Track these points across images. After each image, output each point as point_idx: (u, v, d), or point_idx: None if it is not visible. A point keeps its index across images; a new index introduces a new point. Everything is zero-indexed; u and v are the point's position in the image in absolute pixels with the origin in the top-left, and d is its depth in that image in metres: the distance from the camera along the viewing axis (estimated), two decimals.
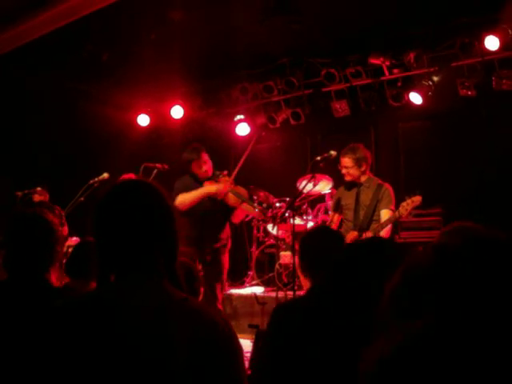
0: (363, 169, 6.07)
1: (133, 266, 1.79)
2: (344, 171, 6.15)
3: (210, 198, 6.17)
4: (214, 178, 6.31)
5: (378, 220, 5.84)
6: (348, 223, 6.08)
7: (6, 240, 2.72)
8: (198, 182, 6.29)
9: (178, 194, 6.09)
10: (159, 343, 1.63)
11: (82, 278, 3.63)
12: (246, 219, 8.47)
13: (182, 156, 6.42)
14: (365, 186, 6.08)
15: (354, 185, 6.16)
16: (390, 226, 5.79)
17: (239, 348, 1.76)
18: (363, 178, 6.11)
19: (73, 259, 3.97)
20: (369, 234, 5.74)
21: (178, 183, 6.36)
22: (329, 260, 2.83)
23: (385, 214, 5.82)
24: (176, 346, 1.63)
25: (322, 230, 4.00)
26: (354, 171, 6.07)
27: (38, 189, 7.13)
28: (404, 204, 5.63)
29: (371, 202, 5.96)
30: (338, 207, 6.35)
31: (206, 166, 6.35)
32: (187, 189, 6.23)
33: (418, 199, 5.60)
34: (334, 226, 6.30)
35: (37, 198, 7.27)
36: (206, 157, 6.37)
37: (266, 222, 8.10)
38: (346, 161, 6.09)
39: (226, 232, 6.46)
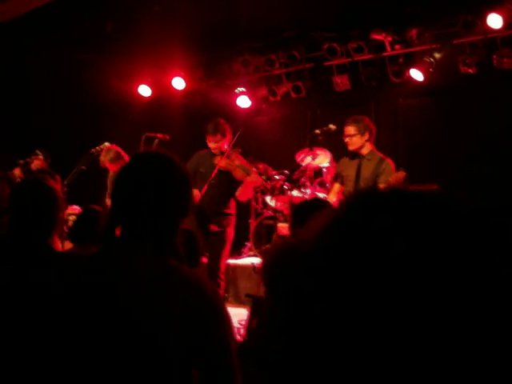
0: (366, 138, 6.12)
1: (134, 233, 1.87)
2: (347, 140, 6.21)
3: (219, 171, 6.31)
4: (224, 153, 6.44)
5: None
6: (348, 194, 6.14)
7: (10, 206, 2.80)
8: (211, 155, 6.60)
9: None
10: (147, 307, 1.72)
11: (86, 245, 3.72)
12: None
13: None
14: (366, 159, 6.14)
15: (356, 156, 6.22)
16: None
17: (226, 315, 1.83)
18: (366, 150, 6.17)
19: (77, 226, 4.07)
20: None
21: (198, 152, 6.77)
22: None
23: None
24: (163, 310, 1.71)
25: (314, 199, 4.08)
26: (356, 139, 6.13)
27: (38, 152, 7.17)
28: (389, 179, 5.71)
29: (371, 175, 6.03)
30: (338, 177, 6.43)
31: (211, 144, 6.58)
32: (199, 158, 6.64)
33: (401, 175, 5.67)
34: (335, 197, 6.38)
35: (36, 163, 7.33)
36: (208, 138, 6.56)
37: (265, 192, 8.17)
38: (349, 129, 6.17)
39: (232, 205, 6.58)
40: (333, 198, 6.32)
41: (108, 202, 7.20)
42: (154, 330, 1.70)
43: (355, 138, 6.13)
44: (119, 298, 1.75)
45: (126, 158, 7.03)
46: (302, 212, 3.24)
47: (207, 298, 1.79)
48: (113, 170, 7.08)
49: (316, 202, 3.51)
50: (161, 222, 1.88)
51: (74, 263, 1.94)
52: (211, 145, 6.59)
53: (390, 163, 6.08)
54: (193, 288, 1.78)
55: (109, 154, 7.08)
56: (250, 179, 6.50)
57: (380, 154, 6.20)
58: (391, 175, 5.84)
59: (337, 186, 6.48)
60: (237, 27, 7.97)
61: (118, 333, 1.72)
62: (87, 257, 2.03)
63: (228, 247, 6.57)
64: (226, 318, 1.83)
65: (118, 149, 7.20)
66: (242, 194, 6.60)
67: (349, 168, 6.27)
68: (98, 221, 3.97)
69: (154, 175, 1.89)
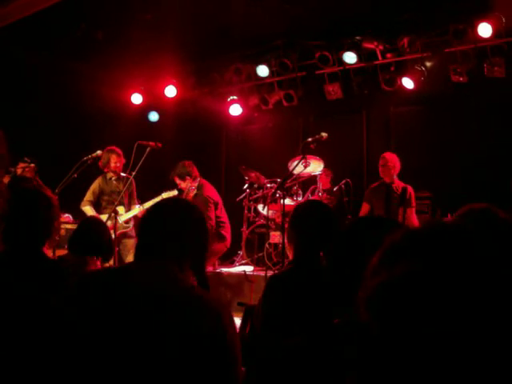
0: None
1: (153, 254, 2.00)
2: None
3: None
4: None
5: None
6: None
7: (6, 214, 2.78)
8: None
9: None
10: (153, 325, 1.72)
11: (86, 256, 3.74)
12: (237, 199, 8.56)
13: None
14: None
15: None
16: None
17: (237, 344, 1.82)
18: None
19: (78, 237, 4.07)
20: None
21: None
22: (317, 231, 2.93)
23: None
24: (171, 330, 1.71)
25: (314, 202, 4.07)
26: None
27: (26, 159, 7.13)
28: None
29: None
30: None
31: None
32: None
33: None
34: None
35: (25, 170, 7.27)
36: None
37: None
38: None
39: None
40: None
41: (83, 206, 7.24)
42: (156, 348, 1.69)
43: None
44: (123, 315, 1.75)
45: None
46: (302, 212, 3.22)
47: (221, 320, 1.78)
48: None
49: (315, 204, 3.48)
50: (188, 252, 2.07)
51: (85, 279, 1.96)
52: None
53: None
54: (207, 308, 1.80)
55: (109, 154, 7.17)
56: None
57: None
58: None
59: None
60: (229, 36, 7.98)
61: (118, 347, 1.71)
62: (101, 271, 2.16)
63: None
64: (236, 346, 1.82)
65: (119, 151, 7.24)
66: None
67: None
68: (100, 232, 3.98)
69: (176, 214, 2.13)
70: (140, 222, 2.18)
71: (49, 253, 3.99)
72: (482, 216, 2.60)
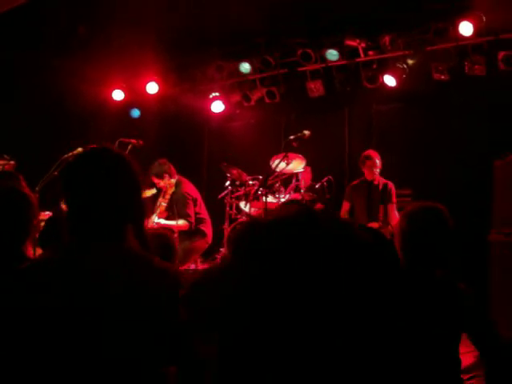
0: None
1: (94, 231, 1.89)
2: None
3: None
4: None
5: None
6: None
7: None
8: None
9: None
10: (124, 304, 1.77)
11: None
12: (219, 197, 8.53)
13: None
14: None
15: None
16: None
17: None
18: None
19: (45, 232, 4.02)
20: None
21: None
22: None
23: None
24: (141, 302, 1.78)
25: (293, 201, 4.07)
26: None
27: (6, 156, 7.03)
28: None
29: None
30: None
31: None
32: None
33: None
34: None
35: (5, 168, 7.17)
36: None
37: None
38: None
39: None
40: None
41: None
42: (134, 321, 1.76)
43: None
44: (98, 299, 1.77)
45: None
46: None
47: (169, 277, 1.88)
48: None
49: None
50: (127, 220, 1.94)
51: (45, 269, 1.91)
52: None
53: None
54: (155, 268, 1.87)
55: None
56: None
57: None
58: None
59: None
60: (210, 32, 7.96)
61: (96, 331, 1.74)
62: (48, 257, 2.02)
63: None
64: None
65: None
66: None
67: None
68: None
69: (104, 169, 1.94)
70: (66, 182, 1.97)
71: (31, 251, 3.96)
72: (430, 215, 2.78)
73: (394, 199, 7.07)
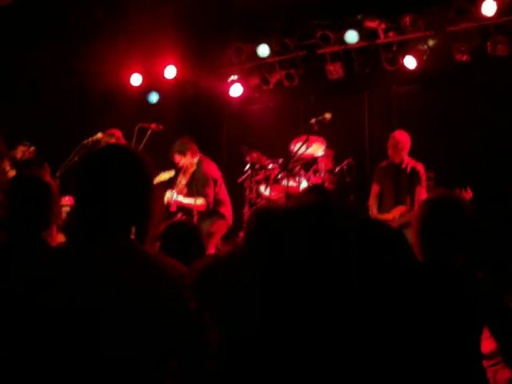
0: None
1: (101, 230, 1.88)
2: None
3: None
4: None
5: None
6: None
7: (6, 201, 2.77)
8: None
9: None
10: (134, 300, 1.77)
11: None
12: (239, 180, 8.51)
13: None
14: None
15: None
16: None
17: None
18: None
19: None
20: None
21: None
22: None
23: None
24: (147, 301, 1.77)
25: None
26: None
27: (26, 143, 7.07)
28: None
29: None
30: None
31: None
32: None
33: None
34: None
35: (25, 154, 7.21)
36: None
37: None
38: None
39: None
40: None
41: None
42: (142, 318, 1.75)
43: None
44: (106, 292, 1.77)
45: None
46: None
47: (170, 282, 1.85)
48: None
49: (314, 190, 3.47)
50: (132, 218, 1.93)
51: (50, 267, 1.91)
52: None
53: None
54: (159, 272, 1.85)
55: (110, 139, 7.02)
56: None
57: None
58: None
59: None
60: (229, 15, 7.91)
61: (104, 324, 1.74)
62: (57, 250, 2.05)
63: None
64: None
65: (120, 134, 7.13)
66: None
67: None
68: None
69: (116, 168, 1.91)
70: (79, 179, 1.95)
71: (60, 237, 3.98)
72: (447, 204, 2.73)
73: (424, 182, 6.92)
